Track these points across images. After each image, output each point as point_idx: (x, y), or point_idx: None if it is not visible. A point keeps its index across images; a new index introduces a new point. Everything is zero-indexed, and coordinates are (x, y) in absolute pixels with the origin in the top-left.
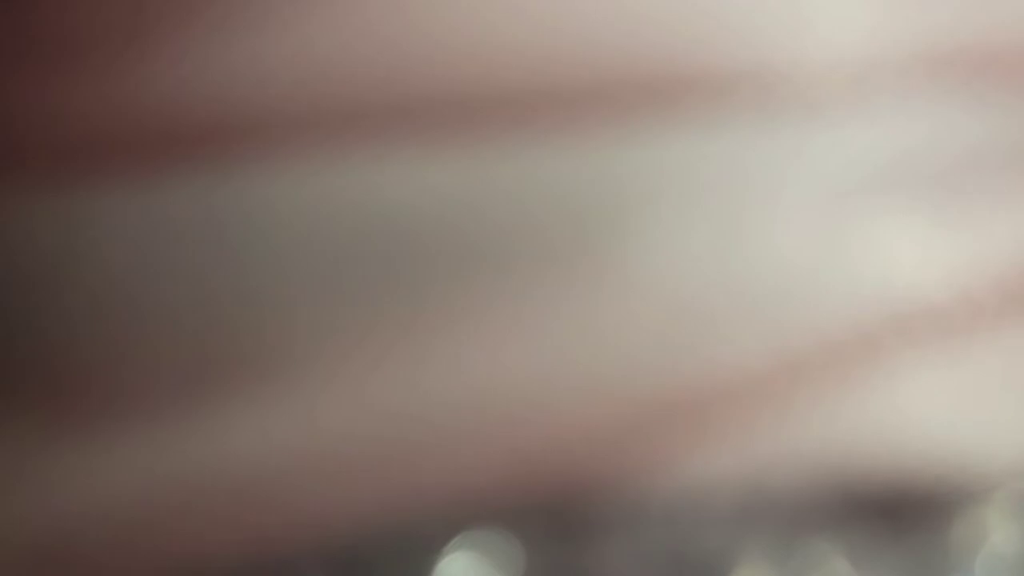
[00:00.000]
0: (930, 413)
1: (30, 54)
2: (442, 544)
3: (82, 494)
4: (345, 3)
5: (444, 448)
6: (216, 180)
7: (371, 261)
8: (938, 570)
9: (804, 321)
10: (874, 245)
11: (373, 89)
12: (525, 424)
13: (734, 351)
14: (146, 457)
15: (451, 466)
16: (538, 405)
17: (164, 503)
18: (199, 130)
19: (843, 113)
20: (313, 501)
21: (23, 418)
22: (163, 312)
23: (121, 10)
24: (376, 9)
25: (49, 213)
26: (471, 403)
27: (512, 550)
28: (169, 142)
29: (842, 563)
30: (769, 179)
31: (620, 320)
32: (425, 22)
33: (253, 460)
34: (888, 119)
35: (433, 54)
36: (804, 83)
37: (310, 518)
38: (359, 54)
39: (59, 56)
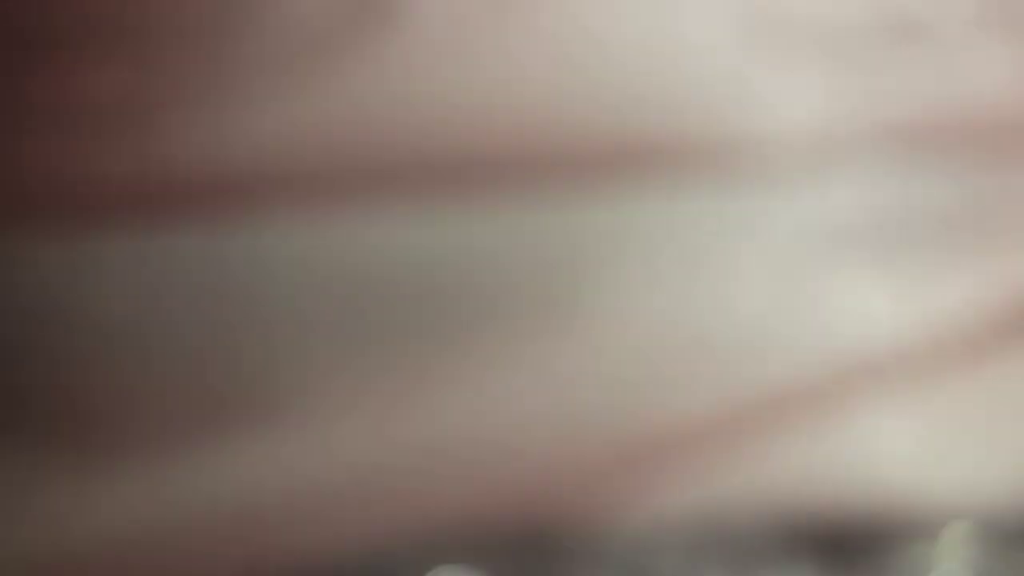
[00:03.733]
0: (879, 454)
1: (44, 116)
2: None
3: (90, 528)
4: (338, 81)
5: (417, 486)
6: (225, 232)
7: (352, 313)
8: None
9: (756, 371)
10: (824, 302)
11: (363, 154)
12: (497, 465)
13: (691, 398)
14: (152, 492)
15: (424, 503)
16: (509, 447)
17: (170, 538)
18: (209, 187)
19: (798, 178)
20: (290, 534)
21: (33, 453)
22: (172, 351)
23: (133, 80)
24: (365, 84)
25: (59, 257)
26: (445, 446)
27: None
28: (178, 197)
29: None
30: (727, 240)
31: (588, 369)
32: (409, 96)
33: (242, 495)
34: (841, 184)
35: (417, 124)
36: (760, 152)
37: (288, 551)
38: (352, 124)
39: (71, 120)
